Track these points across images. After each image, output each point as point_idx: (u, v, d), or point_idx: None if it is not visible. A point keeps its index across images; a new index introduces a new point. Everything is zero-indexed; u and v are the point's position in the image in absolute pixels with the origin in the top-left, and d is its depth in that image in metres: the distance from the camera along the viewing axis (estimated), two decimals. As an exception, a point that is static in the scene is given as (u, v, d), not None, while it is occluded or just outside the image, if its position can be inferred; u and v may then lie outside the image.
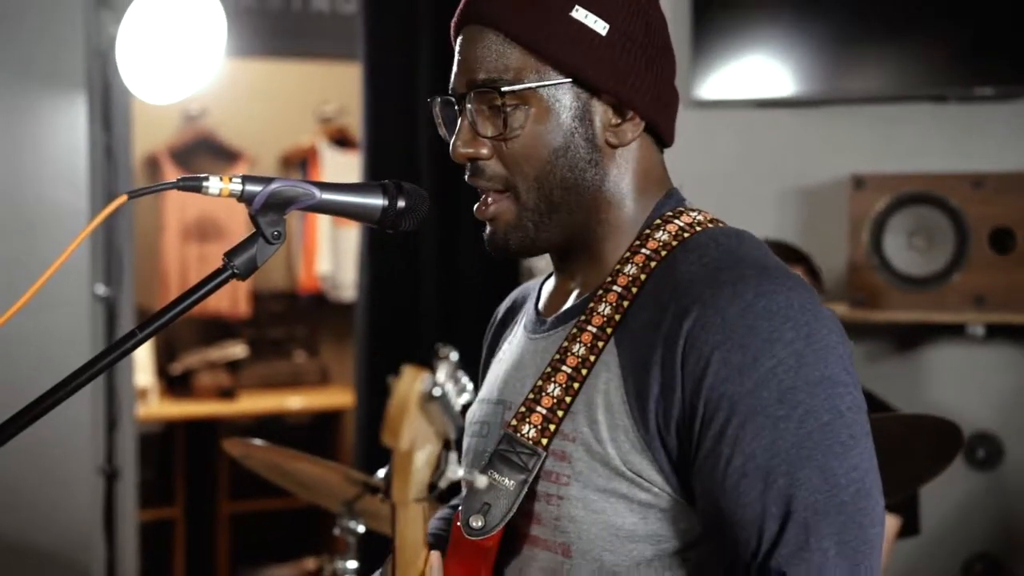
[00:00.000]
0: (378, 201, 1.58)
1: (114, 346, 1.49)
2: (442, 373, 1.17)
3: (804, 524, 1.36)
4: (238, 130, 6.46)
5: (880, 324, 3.82)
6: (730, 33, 3.94)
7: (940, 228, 3.68)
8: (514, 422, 1.53)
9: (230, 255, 1.55)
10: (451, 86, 1.59)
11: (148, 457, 5.18)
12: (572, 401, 1.49)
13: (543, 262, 4.09)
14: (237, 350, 6.29)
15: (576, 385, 1.50)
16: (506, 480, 1.50)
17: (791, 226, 3.93)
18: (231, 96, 6.17)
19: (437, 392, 1.16)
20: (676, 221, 1.56)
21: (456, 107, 1.59)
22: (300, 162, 6.52)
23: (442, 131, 1.64)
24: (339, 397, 6.28)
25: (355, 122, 6.31)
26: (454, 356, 1.21)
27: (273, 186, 1.54)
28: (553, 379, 1.52)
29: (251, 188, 1.53)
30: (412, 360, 4.04)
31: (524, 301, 1.81)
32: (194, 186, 1.52)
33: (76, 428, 3.96)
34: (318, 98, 6.59)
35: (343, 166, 6.23)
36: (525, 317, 1.72)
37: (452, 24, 1.61)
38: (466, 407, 1.31)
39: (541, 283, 1.75)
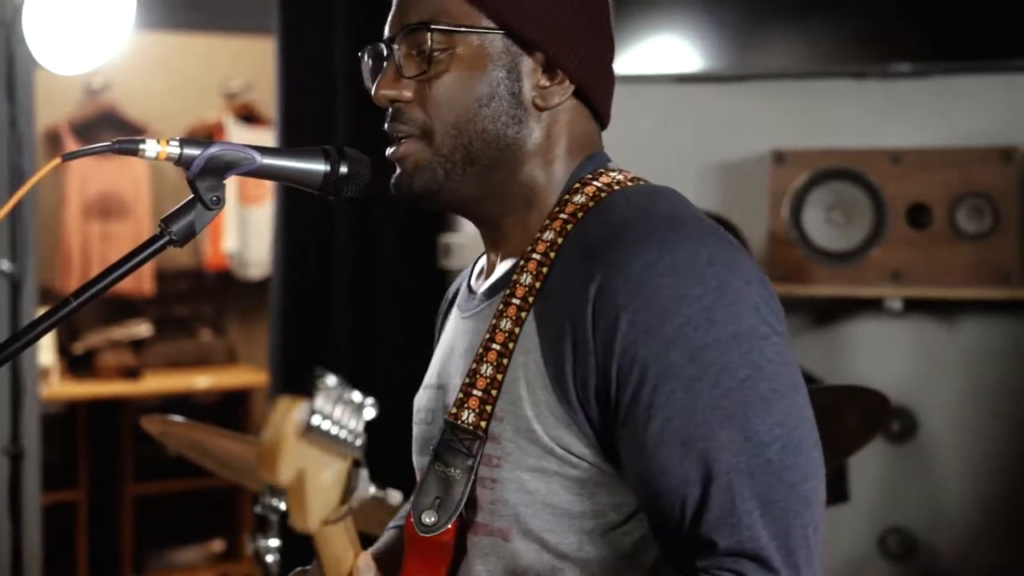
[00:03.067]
0: (320, 167, 1.54)
1: (48, 314, 1.43)
2: (320, 400, 1.12)
3: (728, 487, 1.31)
4: (142, 105, 6.32)
5: (800, 298, 3.84)
6: (649, 8, 3.93)
7: (858, 203, 3.71)
8: (454, 409, 1.47)
9: (167, 221, 1.50)
10: (385, 33, 1.56)
11: (50, 438, 5.05)
12: (503, 379, 1.44)
13: (459, 238, 4.07)
14: (141, 329, 6.17)
15: (505, 361, 1.44)
16: (453, 470, 1.45)
17: (712, 201, 3.93)
18: (134, 70, 6.04)
19: (316, 421, 1.11)
20: (595, 183, 1.51)
21: (385, 55, 1.55)
22: (206, 138, 6.40)
23: (369, 84, 1.59)
24: (247, 376, 6.20)
25: (261, 98, 6.23)
26: (332, 381, 1.15)
27: (212, 150, 1.49)
28: (485, 359, 1.46)
29: (189, 152, 1.48)
30: (325, 341, 3.97)
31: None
32: (131, 149, 1.46)
33: (-20, 408, 3.85)
34: (223, 73, 6.48)
35: (250, 142, 6.11)
36: (459, 296, 1.67)
37: None
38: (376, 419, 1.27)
39: (477, 259, 1.71)
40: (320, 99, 4.28)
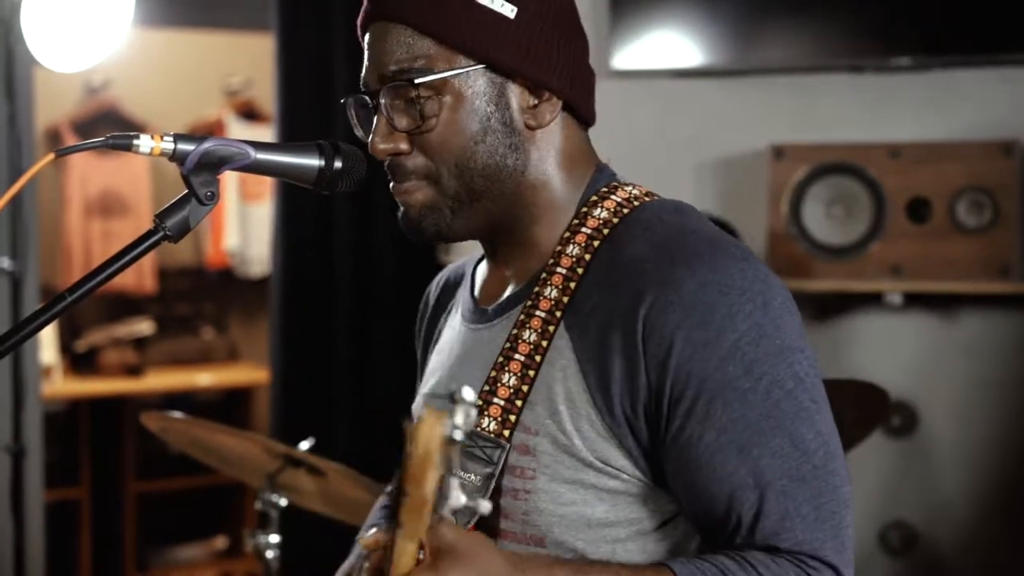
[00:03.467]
0: (314, 162, 1.55)
1: (43, 309, 1.44)
2: (460, 416, 1.14)
3: (783, 492, 1.38)
4: (142, 102, 6.32)
5: (799, 293, 3.79)
6: (648, 3, 3.93)
7: (858, 198, 3.71)
8: None
9: (161, 216, 1.51)
10: (362, 83, 1.56)
11: (53, 436, 5.06)
12: (529, 390, 1.47)
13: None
14: (143, 327, 6.18)
15: (531, 373, 1.48)
16: (471, 476, 1.48)
17: (710, 196, 3.93)
18: (135, 68, 6.04)
19: (459, 436, 1.13)
20: (612, 197, 1.55)
21: (371, 104, 1.56)
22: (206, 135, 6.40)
23: (358, 131, 1.61)
24: (249, 374, 6.20)
25: (262, 95, 6.24)
26: (470, 395, 1.16)
27: (206, 145, 1.50)
28: (507, 368, 1.49)
29: (183, 147, 1.49)
30: (325, 338, 3.95)
31: (457, 283, 1.77)
32: (124, 144, 1.47)
33: (-18, 406, 3.85)
34: (224, 70, 6.48)
35: (250, 139, 6.12)
36: (462, 305, 1.69)
37: (359, 23, 1.57)
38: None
39: (474, 267, 1.72)
40: (319, 95, 4.28)
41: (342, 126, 4.14)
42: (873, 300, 3.82)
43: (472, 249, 1.69)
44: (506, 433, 1.47)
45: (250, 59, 6.32)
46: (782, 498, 1.38)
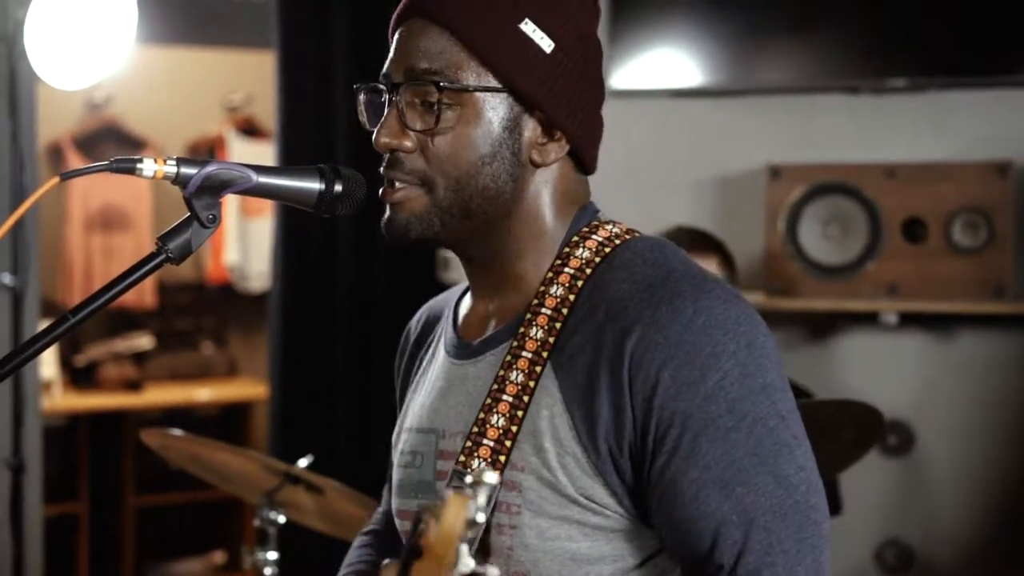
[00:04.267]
0: (315, 185, 1.55)
1: (46, 331, 1.45)
2: (483, 497, 1.15)
3: (766, 528, 1.40)
4: (144, 118, 6.34)
5: (795, 312, 3.86)
6: (646, 23, 3.96)
7: (854, 218, 3.73)
8: (462, 458, 1.50)
9: (164, 239, 1.51)
10: (384, 73, 1.56)
11: (52, 450, 5.07)
12: (518, 431, 1.48)
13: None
14: (143, 341, 6.19)
15: (520, 413, 1.48)
16: None
17: (707, 215, 3.96)
18: (136, 84, 6.06)
19: (480, 518, 1.13)
20: (594, 236, 1.55)
21: (384, 96, 1.56)
22: (207, 151, 6.42)
23: (363, 119, 1.60)
24: (248, 389, 6.21)
25: (262, 111, 6.26)
26: (492, 479, 1.16)
27: (208, 169, 1.51)
28: (495, 409, 1.49)
29: (186, 170, 1.49)
30: (324, 353, 3.96)
31: (438, 318, 1.77)
32: (128, 168, 1.47)
33: (-18, 421, 3.87)
34: (225, 87, 6.50)
35: (251, 155, 6.15)
36: (444, 340, 1.68)
37: (395, 14, 1.57)
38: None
39: (456, 302, 1.72)
40: (320, 112, 4.30)
41: (342, 143, 4.19)
42: (869, 319, 3.84)
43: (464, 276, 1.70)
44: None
45: (251, 76, 6.34)
46: (765, 533, 1.40)
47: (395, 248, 4.21)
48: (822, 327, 3.99)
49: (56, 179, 1.47)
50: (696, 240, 3.10)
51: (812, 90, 3.93)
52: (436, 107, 1.50)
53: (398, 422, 1.76)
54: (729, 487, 1.40)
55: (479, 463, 1.48)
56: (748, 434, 1.40)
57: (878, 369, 3.94)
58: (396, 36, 1.56)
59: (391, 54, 1.56)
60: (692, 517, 1.41)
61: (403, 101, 1.52)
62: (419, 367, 1.75)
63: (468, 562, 1.19)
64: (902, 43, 3.84)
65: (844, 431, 2.63)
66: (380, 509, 1.98)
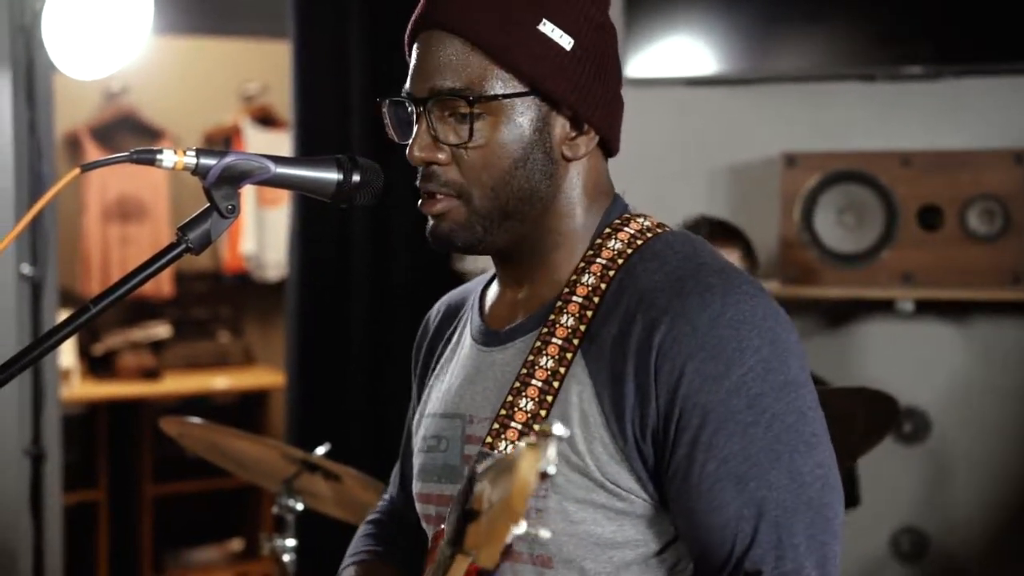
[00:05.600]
0: (333, 175, 1.56)
1: (68, 320, 1.46)
2: (553, 450, 1.15)
3: (776, 523, 1.42)
4: (160, 108, 6.36)
5: (811, 300, 3.86)
6: (661, 11, 3.96)
7: (870, 206, 3.73)
8: (489, 439, 1.52)
9: (184, 229, 1.52)
10: (407, 89, 1.57)
11: (71, 439, 5.09)
12: (547, 415, 1.50)
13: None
14: (160, 330, 6.22)
15: (549, 398, 1.50)
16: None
17: (722, 203, 3.96)
18: (152, 74, 6.08)
19: (552, 470, 1.13)
20: (626, 228, 1.58)
21: (409, 109, 1.57)
22: (223, 141, 6.44)
23: (391, 132, 1.62)
24: (265, 377, 6.23)
25: (278, 101, 6.27)
26: (560, 430, 1.15)
27: (228, 160, 1.52)
28: (524, 393, 1.52)
29: (205, 161, 1.51)
30: (341, 342, 3.97)
31: (458, 309, 1.79)
32: (148, 159, 1.48)
33: (3, 409, 3.89)
34: (240, 76, 6.51)
35: (267, 145, 6.16)
36: (469, 327, 1.71)
37: (410, 26, 1.58)
38: None
39: (481, 290, 1.74)
40: (336, 102, 4.31)
41: (358, 132, 4.20)
42: (885, 307, 3.85)
43: (486, 263, 1.71)
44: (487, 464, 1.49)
45: (266, 65, 6.35)
46: (775, 528, 1.42)
47: (416, 241, 4.26)
48: (838, 315, 3.99)
49: (77, 170, 1.48)
50: (719, 230, 3.11)
51: (828, 78, 3.93)
52: (468, 120, 1.51)
53: (418, 409, 1.77)
54: (744, 481, 1.42)
55: (506, 445, 1.50)
56: (767, 430, 1.42)
57: (894, 357, 3.95)
58: (415, 49, 1.57)
59: (412, 68, 1.57)
60: (706, 508, 1.43)
61: (432, 116, 1.53)
62: (440, 356, 1.77)
63: (523, 524, 1.20)
64: (918, 31, 3.83)
65: (859, 419, 2.63)
66: (385, 496, 2.00)
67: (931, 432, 3.94)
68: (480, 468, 1.19)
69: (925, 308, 3.81)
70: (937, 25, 3.82)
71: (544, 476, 1.13)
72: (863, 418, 2.64)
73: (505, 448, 1.50)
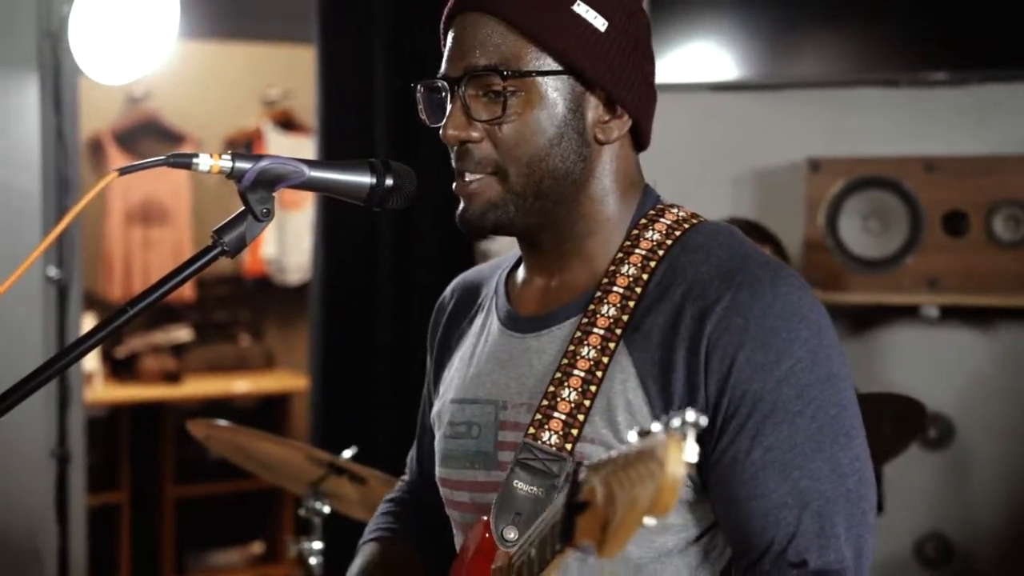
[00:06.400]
0: (366, 179, 1.57)
1: (106, 321, 1.48)
2: (693, 438, 1.14)
3: (818, 513, 1.45)
4: (182, 113, 6.39)
5: (835, 306, 3.85)
6: (685, 16, 3.96)
7: (894, 211, 3.72)
8: (532, 430, 1.53)
9: (219, 232, 1.53)
10: (443, 71, 1.59)
11: (93, 441, 5.12)
12: (591, 405, 1.51)
13: (496, 245, 4.10)
14: (182, 334, 6.25)
15: (593, 388, 1.52)
16: (533, 488, 1.51)
17: (747, 209, 3.96)
18: (175, 78, 6.11)
19: (694, 459, 1.12)
20: (662, 219, 1.60)
21: (444, 92, 1.59)
22: (245, 145, 6.47)
23: (424, 116, 1.64)
24: (286, 381, 6.26)
25: (300, 105, 6.29)
26: (692, 416, 1.13)
27: (263, 164, 1.53)
28: (566, 383, 1.53)
29: (241, 165, 1.52)
30: (365, 345, 3.96)
31: (476, 291, 1.80)
32: (184, 163, 1.50)
33: (29, 411, 3.90)
34: (262, 81, 6.54)
35: (288, 149, 6.18)
36: (495, 311, 1.71)
37: (447, 9, 1.60)
38: None
39: (503, 274, 1.75)
40: (360, 106, 4.31)
41: (383, 137, 4.20)
42: (909, 313, 3.84)
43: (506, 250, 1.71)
44: (568, 447, 1.50)
45: (288, 70, 6.38)
46: (817, 518, 1.45)
47: (433, 238, 4.27)
48: (862, 321, 3.98)
49: (115, 174, 1.49)
50: (750, 231, 3.11)
51: (851, 83, 3.92)
52: (502, 95, 1.53)
53: (439, 394, 1.78)
54: (787, 470, 1.44)
55: (549, 435, 1.51)
56: (811, 420, 1.45)
57: (919, 363, 3.94)
58: (451, 32, 1.59)
59: (448, 51, 1.59)
60: (749, 496, 1.46)
61: (467, 95, 1.55)
62: (461, 338, 1.78)
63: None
64: (942, 36, 3.82)
65: (885, 424, 2.64)
66: (404, 478, 2.01)
67: (955, 438, 3.92)
68: (587, 462, 1.18)
69: (950, 314, 3.81)
70: (962, 30, 3.81)
71: (688, 465, 1.13)
72: (890, 423, 2.65)
73: (549, 439, 1.51)
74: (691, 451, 1.10)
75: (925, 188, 3.69)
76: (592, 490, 1.16)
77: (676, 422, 1.09)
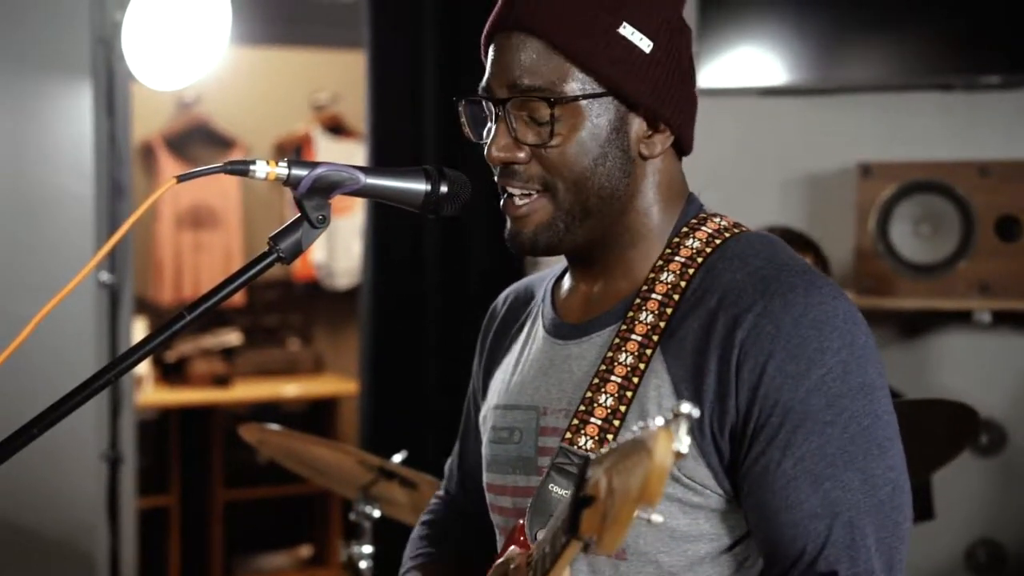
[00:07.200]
0: (421, 186, 1.57)
1: (164, 327, 1.49)
2: (685, 430, 1.15)
3: (849, 524, 1.43)
4: (232, 117, 6.43)
5: (887, 311, 3.84)
6: (734, 21, 3.95)
7: (946, 216, 3.70)
8: (568, 435, 1.53)
9: (275, 239, 1.54)
10: (484, 88, 1.59)
11: (144, 444, 5.16)
12: (626, 411, 1.51)
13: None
14: (232, 338, 6.28)
15: (628, 394, 1.52)
16: (567, 492, 1.49)
17: (797, 214, 3.94)
18: (225, 83, 6.14)
19: (685, 450, 1.12)
20: (703, 228, 1.60)
21: (487, 109, 1.59)
22: (294, 150, 6.50)
23: (467, 131, 1.64)
24: (334, 385, 6.28)
25: (349, 110, 6.32)
26: (691, 410, 1.13)
27: (319, 171, 1.53)
28: (603, 389, 1.53)
29: (297, 172, 1.52)
30: (414, 350, 3.98)
31: (526, 300, 1.81)
32: (241, 170, 1.50)
33: (81, 414, 3.94)
34: (311, 86, 6.57)
35: (337, 154, 6.21)
36: (541, 319, 1.72)
37: (489, 25, 1.60)
38: None
39: (550, 283, 1.75)
40: (409, 112, 4.33)
41: (432, 142, 4.21)
42: (961, 318, 3.81)
43: (548, 265, 1.72)
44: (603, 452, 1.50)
45: (336, 74, 6.41)
46: (848, 529, 1.43)
47: (491, 248, 4.27)
48: (914, 326, 3.96)
49: (173, 180, 1.51)
50: (791, 240, 3.10)
51: (903, 88, 3.90)
52: (549, 122, 1.53)
53: (485, 399, 1.79)
54: (819, 481, 1.43)
55: (585, 440, 1.52)
56: (843, 431, 1.44)
57: (971, 368, 3.91)
58: (492, 50, 1.58)
59: (490, 68, 1.58)
60: (780, 505, 1.45)
61: (511, 115, 1.55)
62: (509, 345, 1.79)
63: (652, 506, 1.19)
64: (995, 40, 3.80)
65: (937, 431, 2.61)
66: (438, 494, 2.02)
67: (1008, 444, 3.90)
68: (593, 455, 1.19)
69: (1002, 319, 3.78)
70: (1014, 34, 3.78)
71: (678, 456, 1.13)
72: (943, 430, 2.63)
73: (584, 443, 1.51)
74: (683, 442, 1.10)
75: (977, 192, 3.67)
76: (596, 484, 1.17)
77: (670, 414, 1.09)
